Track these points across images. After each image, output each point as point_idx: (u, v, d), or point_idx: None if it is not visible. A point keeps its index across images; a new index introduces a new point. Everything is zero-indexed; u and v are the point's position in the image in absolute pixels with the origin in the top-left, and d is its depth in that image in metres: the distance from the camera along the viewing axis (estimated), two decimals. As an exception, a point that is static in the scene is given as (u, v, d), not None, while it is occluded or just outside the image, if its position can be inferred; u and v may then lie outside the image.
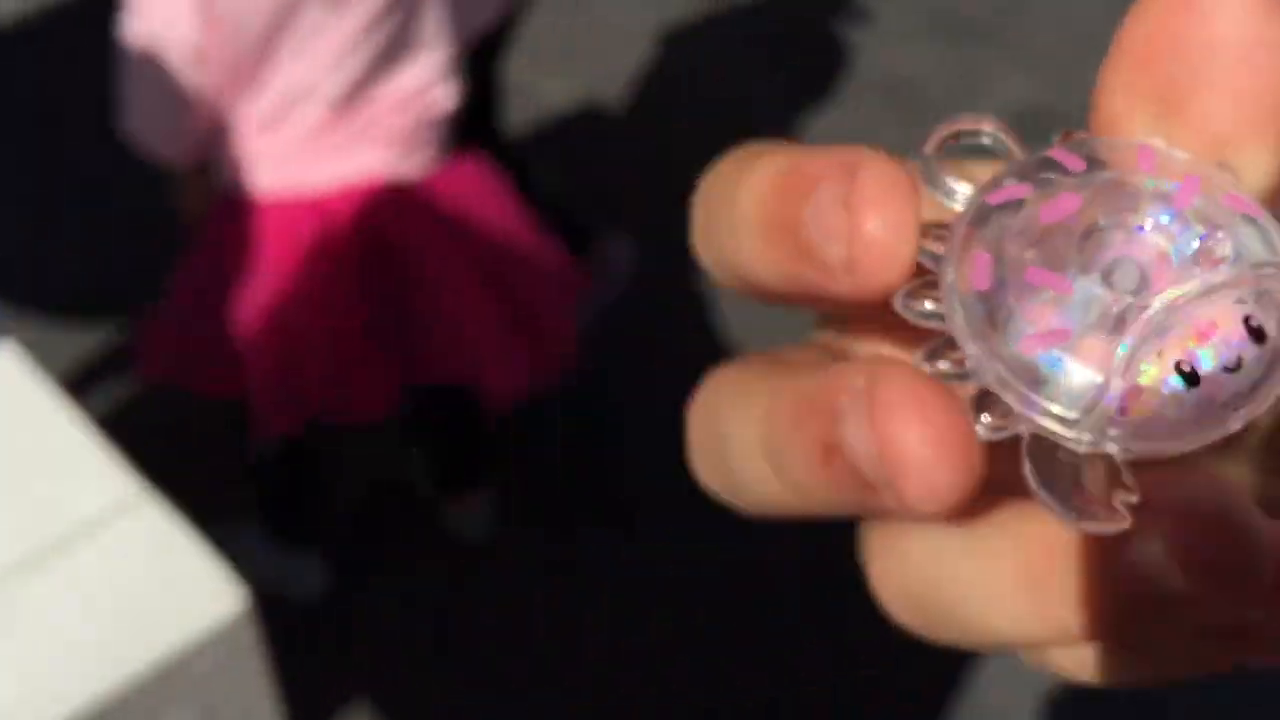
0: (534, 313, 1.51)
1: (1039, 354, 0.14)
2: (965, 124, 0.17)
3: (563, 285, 1.54)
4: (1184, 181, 0.15)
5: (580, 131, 2.52)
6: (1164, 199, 0.15)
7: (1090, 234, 0.15)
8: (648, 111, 2.55)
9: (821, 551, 1.82)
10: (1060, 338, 0.14)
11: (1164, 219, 0.15)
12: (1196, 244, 0.14)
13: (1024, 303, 0.15)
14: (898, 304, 0.16)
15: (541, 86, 2.61)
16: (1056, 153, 0.17)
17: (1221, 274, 0.14)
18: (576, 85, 2.61)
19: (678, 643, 1.71)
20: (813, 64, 2.63)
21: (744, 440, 0.17)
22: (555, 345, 1.55)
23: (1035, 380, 0.14)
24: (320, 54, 1.29)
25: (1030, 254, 0.15)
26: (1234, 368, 0.14)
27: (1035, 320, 0.15)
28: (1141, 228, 0.15)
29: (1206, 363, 0.14)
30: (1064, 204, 0.15)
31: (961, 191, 0.16)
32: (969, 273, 0.15)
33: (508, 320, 1.47)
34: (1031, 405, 0.15)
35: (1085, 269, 0.15)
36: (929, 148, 0.17)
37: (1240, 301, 0.14)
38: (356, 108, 1.34)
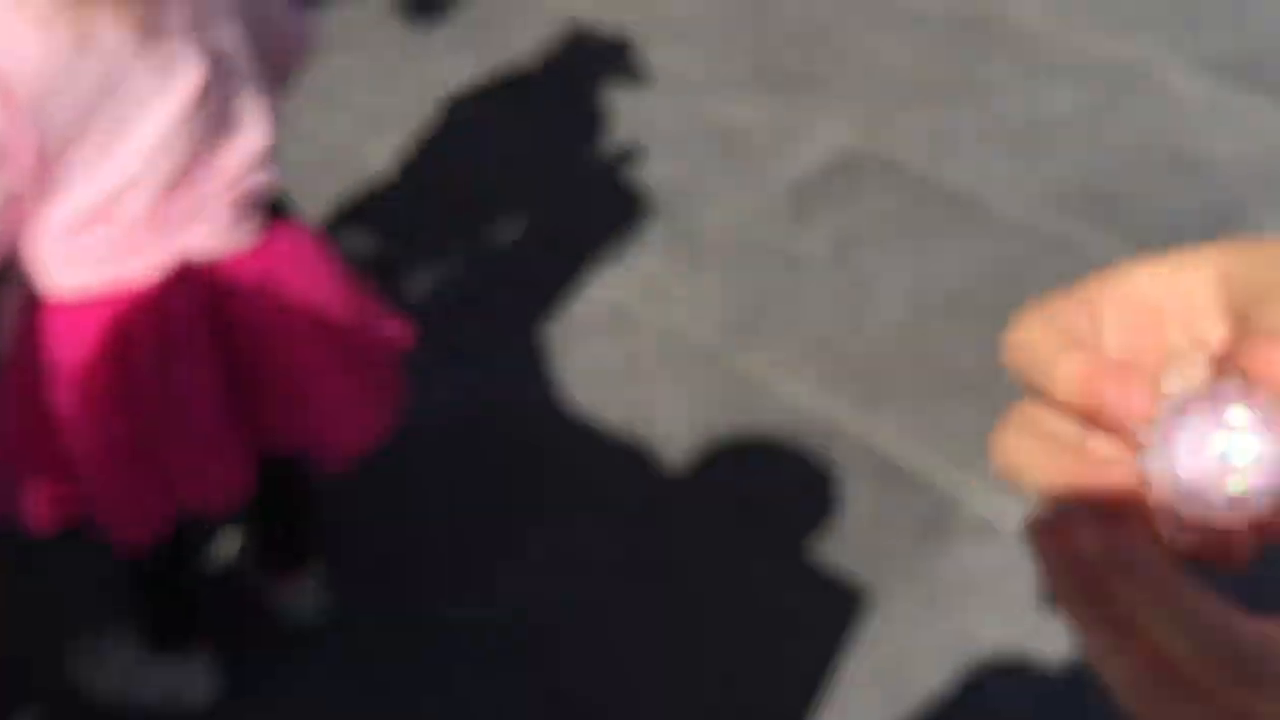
0: (370, 370, 1.49)
1: (1190, 481, 0.29)
2: (1181, 360, 0.32)
3: (391, 342, 1.53)
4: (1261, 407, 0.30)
5: (399, 193, 2.48)
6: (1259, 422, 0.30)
7: (1224, 427, 0.29)
8: (468, 172, 2.53)
9: (673, 645, 1.81)
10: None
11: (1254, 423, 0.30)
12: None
13: (1185, 458, 0.29)
14: (1137, 433, 0.31)
15: (364, 150, 2.57)
16: (1219, 387, 0.30)
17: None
18: (397, 147, 2.58)
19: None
20: (642, 116, 2.65)
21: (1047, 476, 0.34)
22: (391, 400, 1.52)
23: (1183, 490, 0.30)
24: (140, 142, 1.23)
25: (1194, 436, 0.30)
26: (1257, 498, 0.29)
27: (1190, 466, 0.29)
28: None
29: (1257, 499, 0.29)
30: (1216, 412, 0.30)
31: (1176, 390, 0.31)
32: (1168, 432, 0.30)
33: (347, 380, 1.45)
34: (1180, 501, 0.30)
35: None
36: (1169, 374, 0.32)
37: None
38: (181, 193, 1.28)
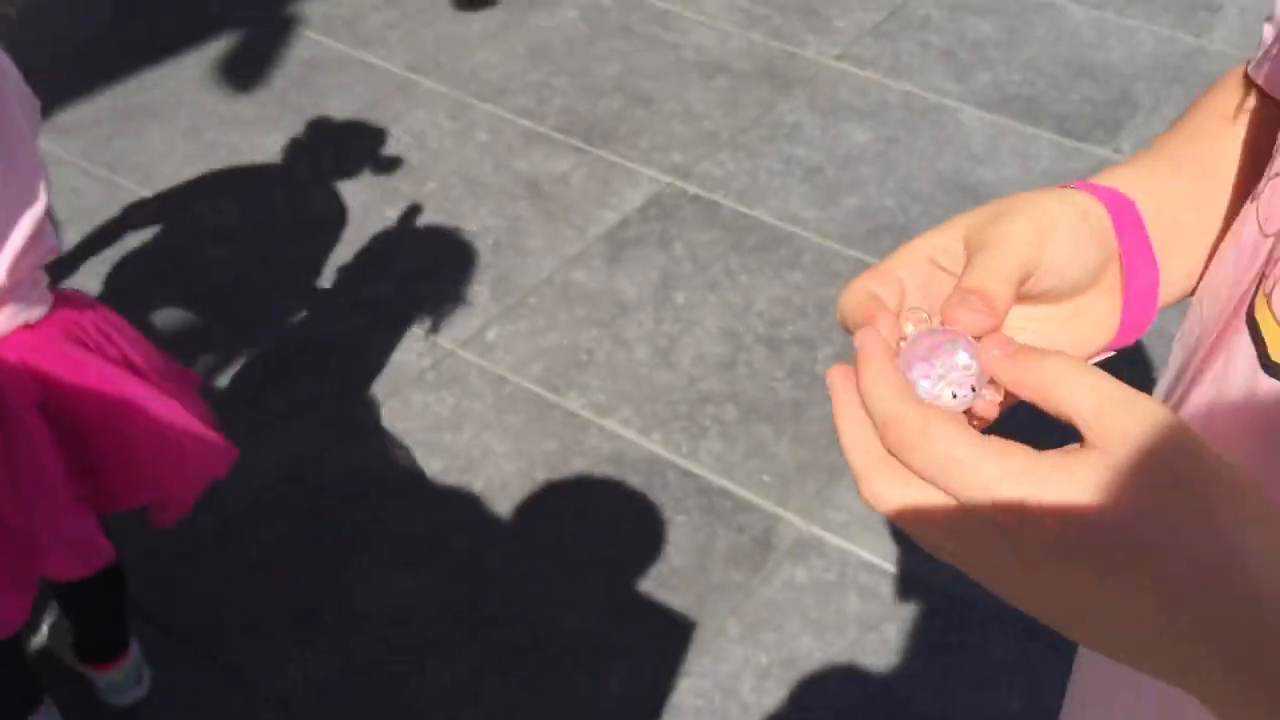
0: (190, 415, 1.48)
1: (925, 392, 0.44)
2: (918, 313, 0.46)
3: (195, 385, 1.54)
4: (959, 338, 0.44)
5: (216, 261, 2.47)
6: (962, 344, 0.44)
7: (940, 353, 0.44)
8: (284, 237, 2.53)
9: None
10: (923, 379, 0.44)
11: (962, 354, 0.43)
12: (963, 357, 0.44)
13: (918, 379, 0.43)
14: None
15: (178, 219, 2.55)
16: (932, 330, 0.45)
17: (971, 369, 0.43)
18: (210, 215, 2.57)
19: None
20: (459, 171, 2.69)
21: None
22: (213, 447, 1.51)
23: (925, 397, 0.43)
24: None
25: (919, 354, 0.44)
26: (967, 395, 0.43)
27: (921, 384, 0.44)
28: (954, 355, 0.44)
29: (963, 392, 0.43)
30: (930, 341, 0.44)
31: (911, 332, 0.46)
32: (908, 360, 0.44)
33: (175, 429, 1.43)
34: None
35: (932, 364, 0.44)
36: (905, 317, 0.46)
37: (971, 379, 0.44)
38: None
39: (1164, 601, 0.37)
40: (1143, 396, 0.39)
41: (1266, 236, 0.49)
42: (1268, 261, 0.48)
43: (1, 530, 1.31)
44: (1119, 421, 0.38)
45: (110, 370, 1.38)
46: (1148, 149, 0.60)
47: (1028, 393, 0.41)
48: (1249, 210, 0.51)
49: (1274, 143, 0.53)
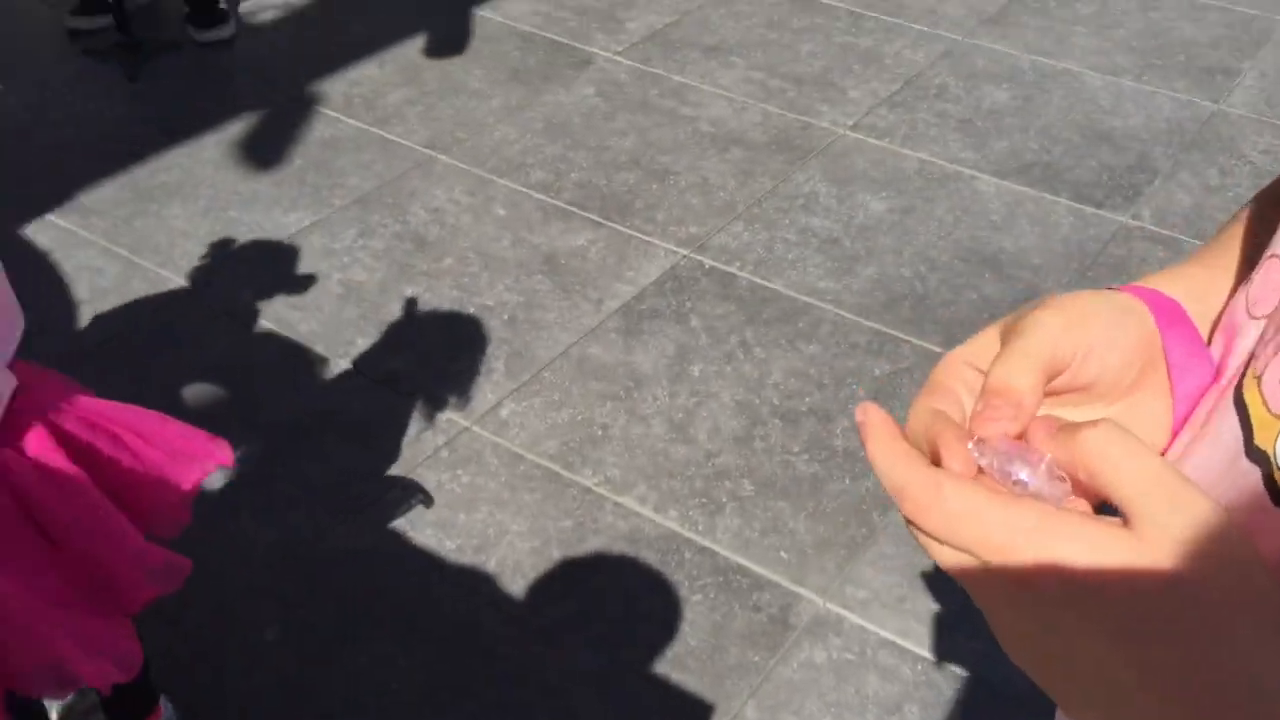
0: (164, 418, 1.49)
1: (1022, 477, 0.42)
2: (975, 440, 0.44)
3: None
4: (1025, 447, 0.43)
5: (238, 338, 2.48)
6: (1021, 454, 0.43)
7: (1015, 455, 0.43)
8: (304, 313, 2.54)
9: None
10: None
11: (1025, 473, 0.42)
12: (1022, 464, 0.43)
13: (1013, 471, 0.43)
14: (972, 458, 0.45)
15: (200, 298, 2.57)
16: (989, 440, 0.45)
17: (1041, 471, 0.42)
18: (233, 294, 2.58)
19: None
20: (476, 246, 2.70)
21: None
22: (201, 434, 1.51)
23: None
24: None
25: (1007, 459, 0.43)
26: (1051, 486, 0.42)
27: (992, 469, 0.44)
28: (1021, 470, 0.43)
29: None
30: (1005, 447, 0.43)
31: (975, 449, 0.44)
32: (1002, 464, 0.43)
33: (161, 433, 1.45)
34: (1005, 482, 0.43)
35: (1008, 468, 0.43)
36: (975, 441, 0.44)
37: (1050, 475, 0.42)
38: None
39: (1155, 694, 0.36)
40: (1193, 488, 0.38)
41: (1254, 319, 0.48)
42: (1258, 343, 0.47)
43: (93, 577, 1.33)
44: (1160, 512, 0.37)
45: (85, 399, 1.39)
46: (1196, 255, 0.59)
47: (1078, 470, 0.40)
48: (1241, 292, 0.50)
49: None
